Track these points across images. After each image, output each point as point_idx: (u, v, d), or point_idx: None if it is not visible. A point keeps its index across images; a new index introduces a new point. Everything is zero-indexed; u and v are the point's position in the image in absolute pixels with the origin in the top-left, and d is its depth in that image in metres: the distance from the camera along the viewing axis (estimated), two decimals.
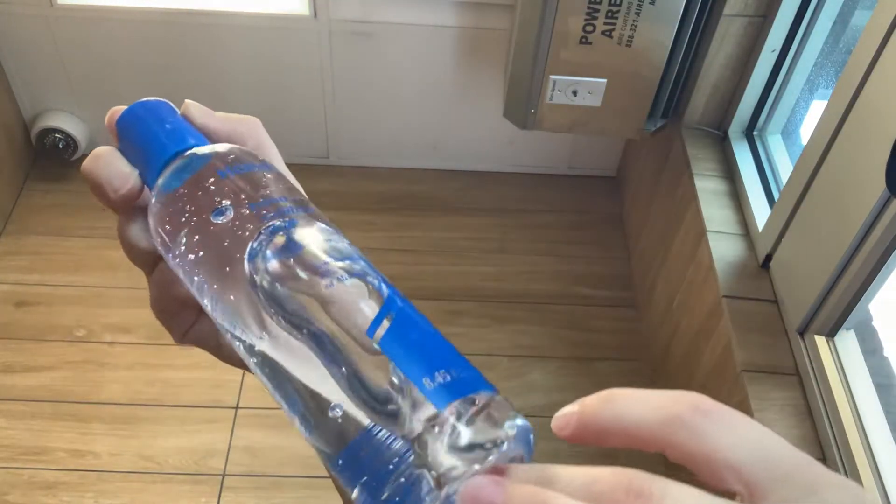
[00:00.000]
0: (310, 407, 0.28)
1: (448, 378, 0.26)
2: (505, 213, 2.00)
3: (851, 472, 1.03)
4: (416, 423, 0.25)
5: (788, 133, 1.48)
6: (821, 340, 1.15)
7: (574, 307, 1.82)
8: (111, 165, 0.33)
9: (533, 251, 1.92)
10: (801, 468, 0.22)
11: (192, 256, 0.31)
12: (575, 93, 1.44)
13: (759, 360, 1.18)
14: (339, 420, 0.26)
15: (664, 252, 1.61)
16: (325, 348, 0.28)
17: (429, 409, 0.25)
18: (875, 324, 1.19)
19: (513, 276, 1.86)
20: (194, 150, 0.33)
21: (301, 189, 0.36)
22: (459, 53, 1.80)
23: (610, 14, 1.31)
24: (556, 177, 2.08)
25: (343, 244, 0.31)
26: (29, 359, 1.64)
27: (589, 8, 1.30)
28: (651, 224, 1.74)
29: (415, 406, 0.25)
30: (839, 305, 1.10)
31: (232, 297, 0.30)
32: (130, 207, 0.35)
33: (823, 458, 1.08)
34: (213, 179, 0.32)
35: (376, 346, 0.27)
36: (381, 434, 0.25)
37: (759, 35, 1.39)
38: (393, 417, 0.25)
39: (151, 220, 0.33)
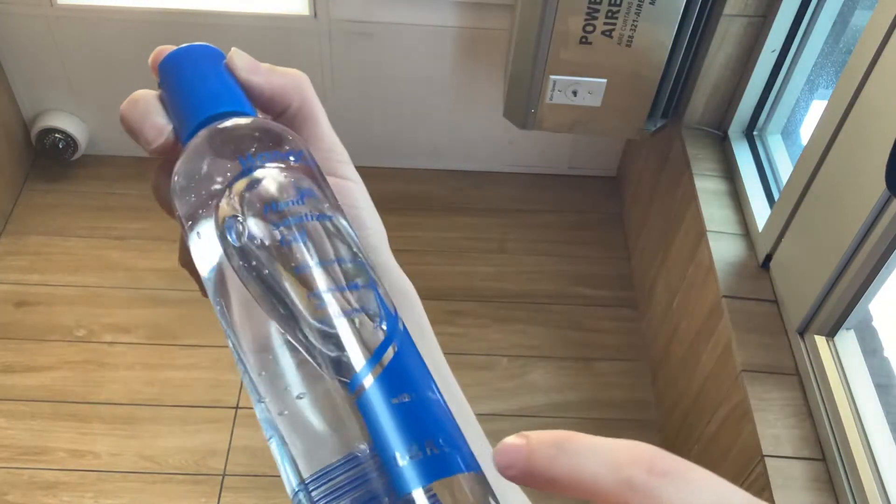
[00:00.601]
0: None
1: (426, 454, 0.24)
2: (505, 213, 2.00)
3: (851, 472, 1.03)
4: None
5: (788, 133, 1.48)
6: (821, 340, 1.15)
7: (574, 307, 1.82)
8: (147, 116, 0.31)
9: (533, 251, 1.92)
10: None
11: (200, 262, 0.29)
12: (575, 93, 1.44)
13: (759, 360, 1.18)
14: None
15: (664, 252, 1.61)
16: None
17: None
18: (875, 324, 1.19)
19: (513, 276, 1.86)
20: (224, 123, 0.30)
21: (343, 154, 0.34)
22: (459, 53, 1.80)
23: (610, 14, 1.31)
24: (556, 177, 2.08)
25: (350, 264, 0.28)
26: (29, 359, 1.64)
27: (589, 8, 1.30)
28: (651, 224, 1.74)
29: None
30: (839, 305, 1.10)
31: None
32: (164, 158, 0.33)
33: (823, 458, 1.08)
34: (228, 167, 0.29)
35: (353, 403, 0.25)
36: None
37: (759, 35, 1.39)
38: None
39: (172, 185, 0.31)
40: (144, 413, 1.58)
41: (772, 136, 1.48)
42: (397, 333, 0.27)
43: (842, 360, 1.12)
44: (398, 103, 1.93)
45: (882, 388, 1.10)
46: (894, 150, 0.88)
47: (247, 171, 0.29)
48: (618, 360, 1.73)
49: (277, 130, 0.31)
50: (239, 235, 0.28)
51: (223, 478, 1.50)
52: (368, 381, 0.25)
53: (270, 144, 0.30)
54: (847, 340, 1.14)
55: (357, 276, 0.28)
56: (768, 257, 1.28)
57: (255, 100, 0.32)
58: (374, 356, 0.26)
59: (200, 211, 0.29)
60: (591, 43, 1.35)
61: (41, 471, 1.49)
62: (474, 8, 1.71)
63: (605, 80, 1.42)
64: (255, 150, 0.29)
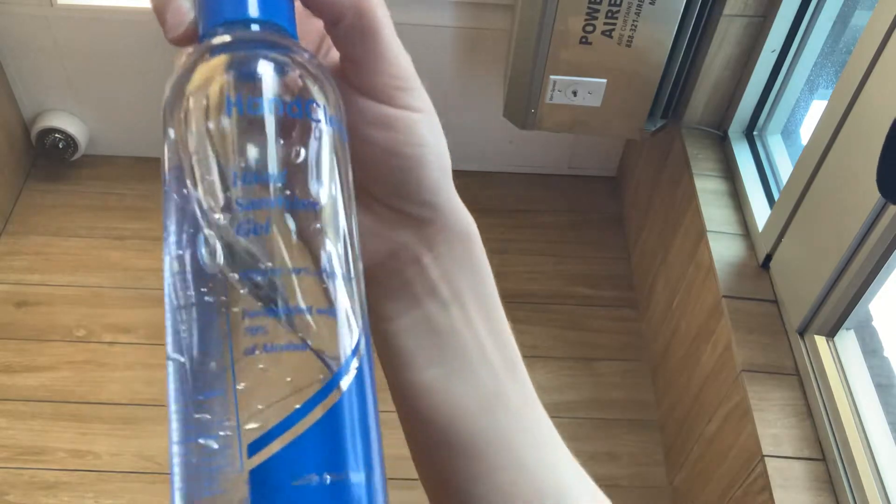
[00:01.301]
0: None
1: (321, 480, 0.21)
2: (505, 213, 2.00)
3: (851, 472, 1.03)
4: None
5: (788, 133, 1.48)
6: (821, 340, 1.15)
7: (574, 307, 1.82)
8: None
9: (533, 251, 1.92)
10: None
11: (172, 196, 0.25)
12: (575, 93, 1.44)
13: (759, 360, 1.18)
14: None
15: (664, 252, 1.61)
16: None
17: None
18: (875, 324, 1.19)
19: (513, 276, 1.86)
20: (223, 38, 0.26)
21: (409, 79, 0.29)
22: (459, 53, 1.80)
23: (610, 14, 1.31)
24: (556, 177, 2.08)
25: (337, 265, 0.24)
26: (29, 359, 1.64)
27: (589, 8, 1.30)
28: (651, 224, 1.74)
29: None
30: (839, 305, 1.10)
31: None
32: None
33: (823, 458, 1.08)
34: (232, 113, 0.24)
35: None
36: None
37: (759, 35, 1.39)
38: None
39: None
40: (144, 413, 1.58)
41: (772, 136, 1.48)
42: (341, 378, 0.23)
43: (842, 360, 1.12)
44: None
45: (882, 388, 1.10)
46: (883, 155, 0.88)
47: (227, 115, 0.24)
48: (618, 360, 1.73)
49: (297, 73, 0.25)
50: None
51: None
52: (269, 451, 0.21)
53: (277, 89, 0.25)
54: (847, 340, 1.14)
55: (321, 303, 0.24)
56: (768, 257, 1.28)
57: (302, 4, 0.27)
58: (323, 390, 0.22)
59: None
60: (591, 43, 1.35)
61: (41, 471, 1.49)
62: (474, 8, 1.71)
63: (605, 80, 1.42)
64: (251, 91, 0.24)
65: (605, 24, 1.32)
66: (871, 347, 1.16)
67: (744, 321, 1.23)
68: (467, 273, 0.32)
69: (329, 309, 0.23)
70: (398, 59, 0.29)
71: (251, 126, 0.24)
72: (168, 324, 0.24)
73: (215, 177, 0.24)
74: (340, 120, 0.26)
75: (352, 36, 0.28)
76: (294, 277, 0.23)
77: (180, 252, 0.24)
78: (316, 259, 0.24)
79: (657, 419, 1.62)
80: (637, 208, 1.88)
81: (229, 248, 0.23)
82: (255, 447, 0.21)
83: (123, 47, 1.78)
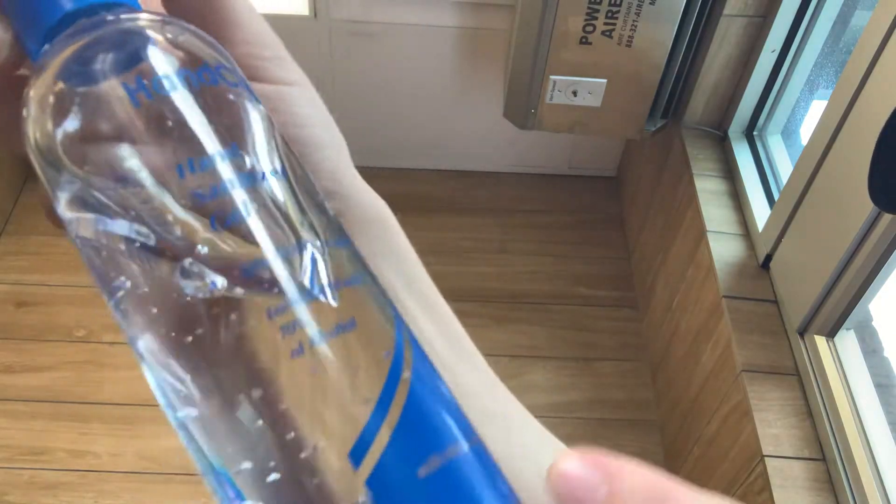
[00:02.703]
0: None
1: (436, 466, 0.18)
2: (505, 213, 2.00)
3: (851, 472, 1.03)
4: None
5: (788, 133, 1.48)
6: (821, 340, 1.15)
7: (574, 307, 1.82)
8: None
9: (533, 251, 1.92)
10: None
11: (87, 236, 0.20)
12: (575, 93, 1.44)
13: (759, 360, 1.18)
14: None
15: (664, 252, 1.61)
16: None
17: None
18: (875, 324, 1.19)
19: (513, 277, 1.86)
20: (119, 14, 0.21)
21: (275, 46, 0.24)
22: (459, 53, 1.80)
23: (610, 14, 1.31)
24: (556, 177, 2.08)
25: (349, 266, 0.21)
26: (29, 359, 1.64)
27: (589, 8, 1.30)
28: (651, 224, 1.74)
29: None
30: (839, 305, 1.10)
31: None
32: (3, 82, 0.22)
33: (823, 458, 1.08)
34: (140, 96, 0.20)
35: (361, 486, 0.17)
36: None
37: (759, 35, 1.39)
38: None
39: (25, 125, 0.20)
40: (144, 413, 1.58)
41: (772, 136, 1.48)
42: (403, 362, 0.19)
43: (842, 360, 1.12)
44: (398, 103, 1.92)
45: (882, 388, 1.10)
46: (873, 163, 0.88)
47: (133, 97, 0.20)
48: (618, 360, 1.73)
49: (200, 36, 0.22)
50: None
51: None
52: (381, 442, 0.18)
53: (168, 60, 0.20)
54: (847, 340, 1.14)
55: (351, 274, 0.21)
56: (768, 257, 1.28)
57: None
58: (380, 405, 0.18)
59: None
60: (591, 43, 1.35)
61: (41, 471, 1.49)
62: (474, 8, 1.71)
63: (605, 80, 1.42)
64: (146, 70, 0.20)
65: (605, 24, 1.32)
66: (871, 347, 1.16)
67: (744, 321, 1.23)
68: (390, 260, 0.29)
69: (353, 276, 0.20)
70: (253, 24, 0.24)
71: (167, 107, 0.20)
72: (164, 383, 0.20)
73: (157, 187, 0.19)
74: (244, 77, 0.23)
75: (193, 4, 0.23)
76: (303, 254, 0.20)
77: (153, 307, 0.19)
78: (310, 228, 0.20)
79: (657, 419, 1.62)
80: (637, 208, 1.88)
81: (216, 257, 0.19)
82: (357, 455, 0.17)
83: None
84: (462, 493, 0.18)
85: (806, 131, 1.44)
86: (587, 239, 1.95)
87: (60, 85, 0.20)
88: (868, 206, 0.99)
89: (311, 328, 0.18)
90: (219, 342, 0.19)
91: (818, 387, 1.12)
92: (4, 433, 1.54)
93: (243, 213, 0.19)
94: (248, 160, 0.20)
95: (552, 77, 1.41)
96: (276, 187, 0.20)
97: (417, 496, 0.17)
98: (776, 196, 1.35)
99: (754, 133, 1.50)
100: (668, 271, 1.58)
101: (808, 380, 1.14)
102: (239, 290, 0.19)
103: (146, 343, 0.20)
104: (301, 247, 0.20)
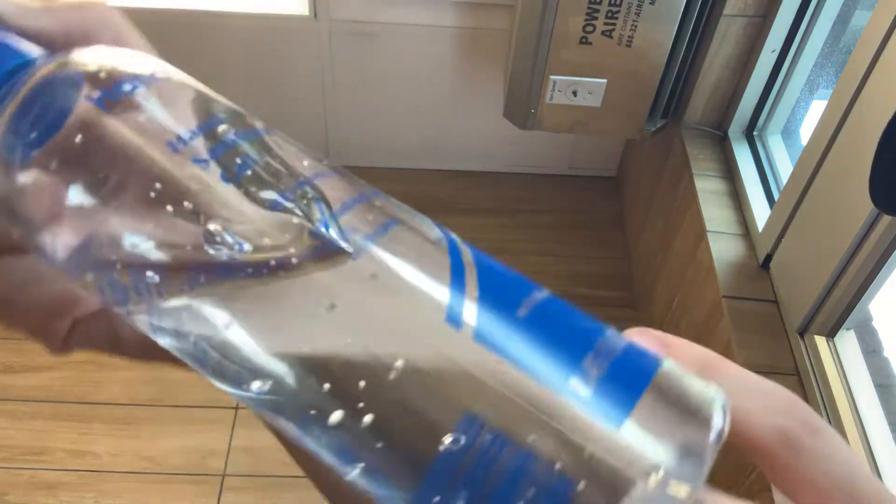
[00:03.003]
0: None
1: (603, 368, 0.19)
2: (505, 213, 2.00)
3: None
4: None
5: (788, 133, 1.48)
6: (821, 340, 1.15)
7: None
8: None
9: (533, 251, 1.92)
10: None
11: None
12: (575, 93, 1.44)
13: (759, 360, 1.18)
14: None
15: (664, 252, 1.61)
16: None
17: None
18: (875, 324, 1.19)
19: None
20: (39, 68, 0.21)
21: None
22: (459, 53, 1.80)
23: (610, 14, 1.31)
24: (556, 177, 2.08)
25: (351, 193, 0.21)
26: (29, 359, 1.64)
27: (589, 8, 1.30)
28: (651, 224, 1.74)
29: None
30: (839, 305, 1.10)
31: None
32: None
33: None
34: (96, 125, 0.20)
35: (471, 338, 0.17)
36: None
37: (759, 35, 1.39)
38: None
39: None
40: (144, 413, 1.58)
41: (772, 137, 1.48)
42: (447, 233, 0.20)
43: (842, 360, 1.12)
44: (398, 103, 1.93)
45: (882, 388, 1.10)
46: (874, 165, 0.88)
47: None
48: None
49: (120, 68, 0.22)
50: None
51: (223, 478, 1.50)
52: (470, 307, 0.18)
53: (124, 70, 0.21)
54: (847, 340, 1.14)
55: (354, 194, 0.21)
56: (768, 257, 1.28)
57: (48, 48, 0.23)
58: (455, 271, 0.19)
59: None
60: (591, 43, 1.35)
61: (41, 471, 1.49)
62: (474, 8, 1.71)
63: (605, 80, 1.42)
64: (106, 81, 0.21)
65: (605, 24, 1.32)
66: (871, 347, 1.16)
67: (744, 321, 1.23)
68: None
69: (373, 191, 0.21)
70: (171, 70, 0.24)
71: (134, 104, 0.20)
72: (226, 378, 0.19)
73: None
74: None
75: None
76: (326, 179, 0.21)
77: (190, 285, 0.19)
78: (313, 166, 0.21)
79: None
80: (637, 208, 1.88)
81: (247, 196, 0.19)
82: (453, 317, 0.18)
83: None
84: (563, 319, 0.20)
85: (806, 131, 1.44)
86: (587, 239, 1.95)
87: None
88: (868, 207, 0.99)
89: (363, 229, 0.19)
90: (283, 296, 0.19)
91: (818, 387, 1.12)
92: (4, 433, 1.54)
93: (252, 158, 0.20)
94: (226, 127, 0.21)
95: (552, 77, 1.41)
96: (258, 140, 0.21)
97: (525, 331, 0.18)
98: (776, 196, 1.35)
99: (754, 133, 1.50)
100: (669, 271, 1.58)
101: (808, 380, 1.14)
102: (283, 214, 0.19)
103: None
104: (320, 175, 0.21)
